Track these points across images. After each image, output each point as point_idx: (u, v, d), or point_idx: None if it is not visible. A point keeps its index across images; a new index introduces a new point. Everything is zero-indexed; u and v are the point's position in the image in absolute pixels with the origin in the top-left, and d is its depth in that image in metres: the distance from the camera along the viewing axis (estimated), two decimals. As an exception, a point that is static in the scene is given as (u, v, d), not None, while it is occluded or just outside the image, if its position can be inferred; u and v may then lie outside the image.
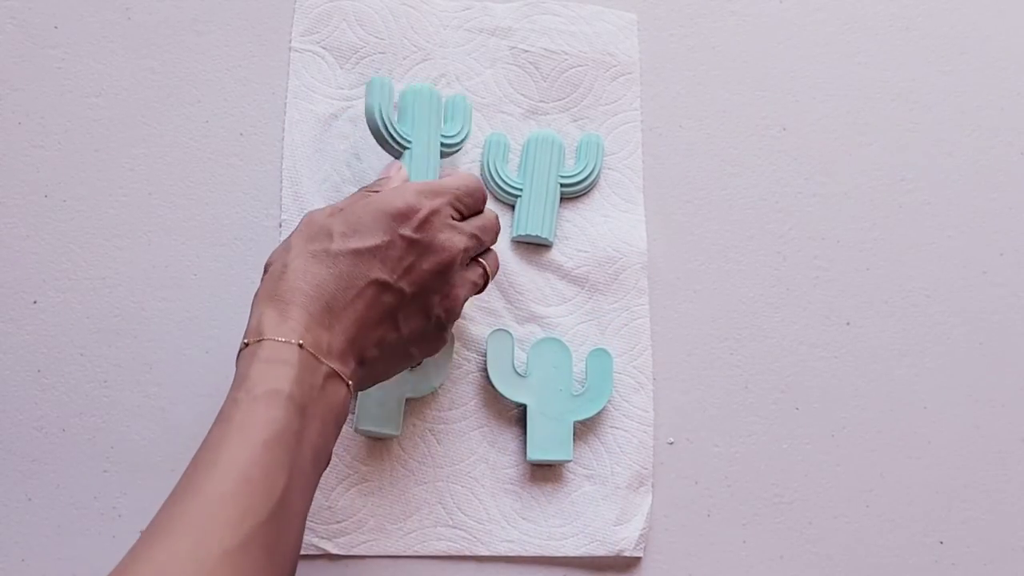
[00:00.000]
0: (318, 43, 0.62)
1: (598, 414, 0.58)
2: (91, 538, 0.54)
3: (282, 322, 0.43)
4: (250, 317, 0.45)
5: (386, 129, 0.55)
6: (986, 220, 0.67)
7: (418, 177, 0.55)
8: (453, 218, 0.50)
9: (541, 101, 0.64)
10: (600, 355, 0.59)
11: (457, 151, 0.59)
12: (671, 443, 0.60)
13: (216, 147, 0.60)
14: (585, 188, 0.62)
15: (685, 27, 0.68)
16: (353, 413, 0.56)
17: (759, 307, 0.63)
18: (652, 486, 0.59)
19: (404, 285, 0.47)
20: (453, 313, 0.51)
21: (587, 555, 0.57)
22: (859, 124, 0.68)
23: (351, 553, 0.55)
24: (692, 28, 0.68)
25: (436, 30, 0.64)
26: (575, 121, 0.64)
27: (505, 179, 0.61)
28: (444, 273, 0.49)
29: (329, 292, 0.45)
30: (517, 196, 0.61)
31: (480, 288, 0.53)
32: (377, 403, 0.55)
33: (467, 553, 0.56)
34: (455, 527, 0.56)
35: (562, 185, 0.62)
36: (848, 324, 0.64)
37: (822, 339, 0.63)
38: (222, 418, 0.41)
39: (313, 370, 0.43)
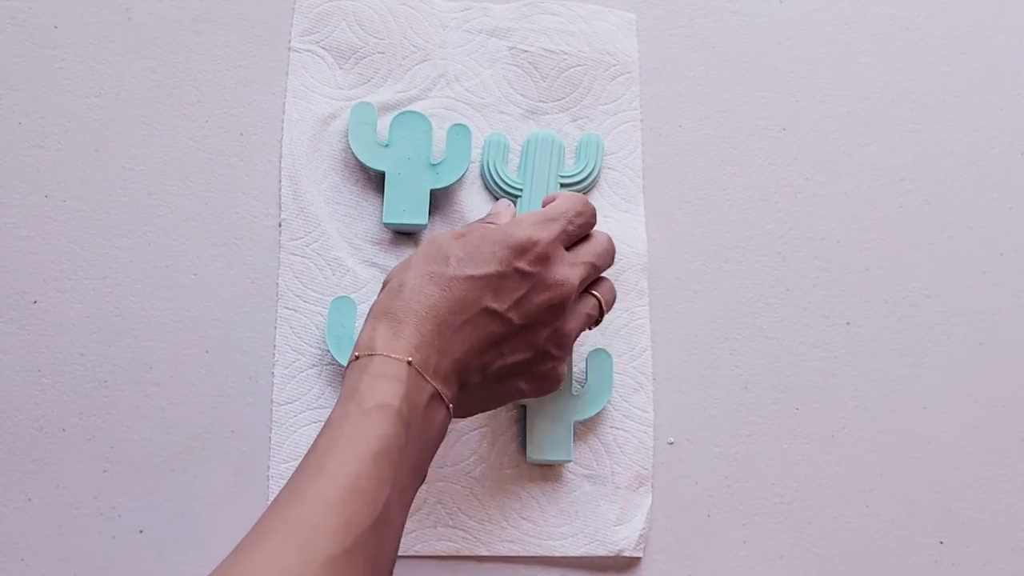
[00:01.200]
0: (317, 43, 0.62)
1: (598, 414, 0.58)
2: (91, 538, 0.54)
3: (394, 339, 0.44)
4: (363, 331, 0.46)
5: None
6: (986, 220, 0.67)
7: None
8: (566, 246, 0.51)
9: (540, 101, 0.64)
10: (600, 355, 0.59)
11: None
12: (671, 443, 0.60)
13: (216, 147, 0.60)
14: (585, 187, 0.62)
15: (685, 27, 0.68)
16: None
17: (759, 307, 0.63)
18: (652, 486, 0.59)
19: (513, 316, 0.48)
20: (563, 347, 0.51)
21: (587, 555, 0.57)
22: (859, 124, 0.68)
23: (351, 553, 0.55)
24: (692, 28, 0.68)
25: (435, 30, 0.64)
26: (574, 121, 0.64)
27: (505, 179, 0.61)
28: (555, 308, 0.49)
29: (441, 314, 0.46)
30: (517, 196, 0.61)
31: (595, 320, 0.53)
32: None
33: (467, 553, 0.56)
34: (455, 527, 0.56)
35: (562, 185, 0.62)
36: (848, 324, 0.64)
37: (822, 339, 0.63)
38: (331, 427, 0.42)
39: (419, 389, 0.44)
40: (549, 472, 0.58)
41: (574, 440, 0.58)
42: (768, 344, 0.63)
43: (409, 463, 0.43)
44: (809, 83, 0.68)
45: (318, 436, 0.42)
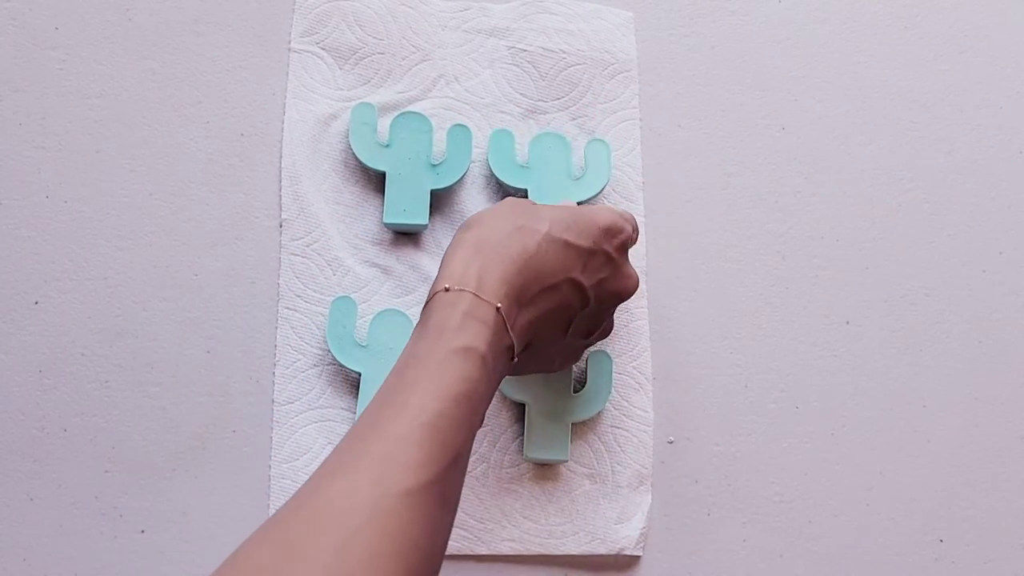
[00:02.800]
0: (317, 44, 0.62)
1: (598, 414, 0.58)
2: (92, 538, 0.54)
3: (486, 279, 0.44)
4: (452, 259, 0.45)
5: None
6: (985, 219, 0.67)
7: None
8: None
9: (540, 100, 0.64)
10: (600, 356, 0.59)
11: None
12: (671, 442, 0.60)
13: (216, 147, 0.60)
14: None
15: (684, 27, 0.68)
16: (354, 411, 0.56)
17: (759, 307, 0.63)
18: (652, 485, 0.59)
19: (592, 294, 0.49)
20: (602, 338, 0.54)
21: (587, 553, 0.57)
22: (858, 124, 0.68)
23: (352, 552, 0.55)
24: (690, 28, 0.68)
25: (435, 31, 0.64)
26: (574, 120, 0.64)
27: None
28: (620, 298, 0.51)
29: (532, 271, 0.46)
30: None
31: (607, 333, 0.55)
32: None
33: (468, 552, 0.56)
34: (456, 526, 0.56)
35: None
36: (847, 323, 0.64)
37: (822, 338, 0.63)
38: (417, 362, 0.41)
39: (501, 337, 0.44)
40: (550, 471, 0.58)
41: (575, 439, 0.58)
42: (768, 344, 0.63)
43: (482, 408, 0.43)
44: (808, 83, 0.68)
45: (401, 368, 0.42)
